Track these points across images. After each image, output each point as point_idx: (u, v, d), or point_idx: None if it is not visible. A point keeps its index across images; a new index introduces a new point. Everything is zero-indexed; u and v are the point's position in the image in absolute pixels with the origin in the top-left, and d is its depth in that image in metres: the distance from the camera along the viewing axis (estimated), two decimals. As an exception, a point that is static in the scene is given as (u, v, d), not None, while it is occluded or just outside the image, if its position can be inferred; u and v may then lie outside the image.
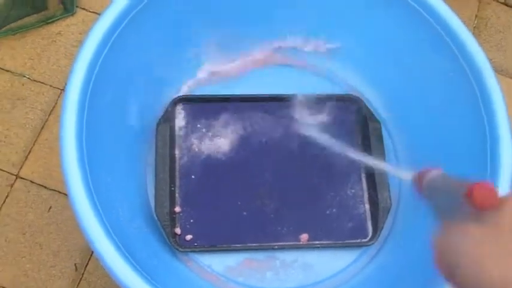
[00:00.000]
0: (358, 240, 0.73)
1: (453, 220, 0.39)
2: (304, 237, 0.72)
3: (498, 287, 0.35)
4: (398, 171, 0.59)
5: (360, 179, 0.76)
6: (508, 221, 0.36)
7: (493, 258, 0.35)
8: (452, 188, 0.42)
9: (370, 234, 0.73)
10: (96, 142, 0.63)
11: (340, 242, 0.72)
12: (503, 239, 0.36)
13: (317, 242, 0.72)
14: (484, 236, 0.36)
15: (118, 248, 0.55)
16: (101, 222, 0.56)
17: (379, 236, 0.72)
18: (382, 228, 0.72)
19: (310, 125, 0.77)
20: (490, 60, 0.68)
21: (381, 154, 0.76)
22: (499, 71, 1.08)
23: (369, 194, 0.75)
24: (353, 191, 0.75)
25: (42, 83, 1.00)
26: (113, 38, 0.66)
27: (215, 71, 0.80)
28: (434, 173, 0.47)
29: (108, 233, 0.56)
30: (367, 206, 0.75)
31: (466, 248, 0.36)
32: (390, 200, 0.73)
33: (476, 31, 0.68)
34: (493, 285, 0.35)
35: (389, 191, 0.74)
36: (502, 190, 0.62)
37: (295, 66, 0.83)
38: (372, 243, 0.72)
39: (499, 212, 0.37)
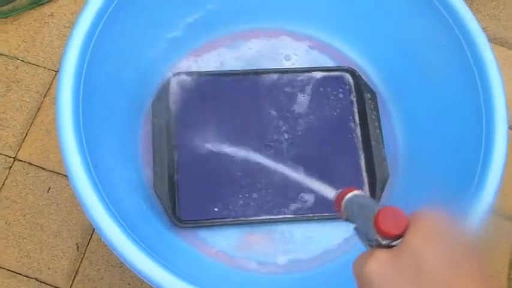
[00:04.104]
0: (357, 212, 0.73)
1: (372, 245, 0.40)
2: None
3: None
4: (324, 189, 0.60)
5: (357, 151, 0.77)
6: (411, 246, 0.36)
7: (391, 284, 0.35)
8: (366, 210, 0.41)
9: (369, 205, 0.74)
10: (93, 122, 0.63)
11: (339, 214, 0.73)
12: (403, 265, 0.36)
13: (316, 215, 0.72)
14: (387, 260, 0.36)
15: (120, 224, 0.56)
16: (101, 199, 0.57)
17: (377, 206, 0.73)
18: (380, 199, 0.73)
19: (306, 98, 0.78)
20: (483, 29, 0.69)
21: (377, 126, 0.76)
22: (492, 39, 1.08)
23: (366, 165, 0.75)
24: (350, 163, 0.76)
25: (36, 65, 0.99)
26: (105, 17, 0.66)
27: (209, 46, 0.80)
28: (350, 194, 0.46)
29: (109, 209, 0.56)
30: (364, 178, 0.75)
31: (371, 272, 0.37)
32: (388, 171, 0.74)
33: (468, 1, 0.69)
34: None
35: (386, 162, 0.74)
36: (497, 153, 0.62)
37: (289, 38, 0.83)
38: (371, 214, 0.73)
39: (404, 237, 0.37)
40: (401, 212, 0.37)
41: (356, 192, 0.46)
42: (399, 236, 0.37)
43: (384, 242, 0.38)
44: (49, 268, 0.86)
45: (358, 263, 0.39)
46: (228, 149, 0.74)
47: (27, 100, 0.97)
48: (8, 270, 0.86)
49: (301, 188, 0.73)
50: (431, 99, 0.75)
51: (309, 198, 0.73)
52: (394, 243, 0.37)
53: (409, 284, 0.35)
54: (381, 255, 0.37)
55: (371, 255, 0.37)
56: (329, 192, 0.54)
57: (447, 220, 0.37)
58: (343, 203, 0.46)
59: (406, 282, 0.35)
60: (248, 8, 0.80)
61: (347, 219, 0.46)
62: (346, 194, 0.46)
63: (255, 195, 0.73)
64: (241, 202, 0.72)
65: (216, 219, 0.71)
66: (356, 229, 0.43)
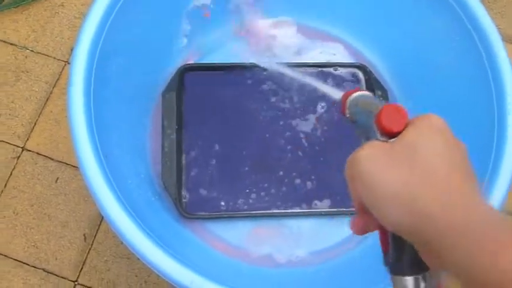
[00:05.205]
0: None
1: (370, 140, 0.40)
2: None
3: (380, 196, 0.36)
4: (332, 91, 0.62)
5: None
6: (407, 139, 0.37)
7: (384, 168, 0.36)
8: (369, 108, 0.42)
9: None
10: (104, 112, 0.63)
11: (346, 209, 0.73)
12: (397, 153, 0.36)
13: (324, 210, 0.72)
14: (381, 147, 0.37)
15: (130, 214, 0.56)
16: (111, 188, 0.57)
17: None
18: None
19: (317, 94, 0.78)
20: (493, 26, 0.69)
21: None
22: (503, 37, 1.07)
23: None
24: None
25: (46, 55, 0.99)
26: (116, 8, 0.66)
27: (221, 39, 0.80)
28: (356, 93, 0.46)
29: (119, 199, 0.56)
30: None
31: (362, 155, 0.37)
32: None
33: (479, -1, 0.69)
34: (378, 194, 0.36)
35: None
36: (509, 152, 0.62)
37: (301, 33, 0.82)
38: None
39: (401, 133, 0.37)
40: (403, 111, 0.38)
41: (362, 92, 0.46)
42: (397, 135, 0.38)
43: (382, 139, 0.38)
44: (56, 258, 0.86)
45: (352, 155, 0.39)
46: (238, 143, 0.74)
47: (36, 90, 0.97)
48: (15, 260, 0.86)
49: (309, 184, 0.73)
50: (442, 96, 0.74)
51: (317, 194, 0.73)
52: (391, 140, 0.38)
53: (400, 168, 0.36)
54: (376, 143, 0.38)
55: (366, 143, 0.38)
56: (337, 93, 0.54)
57: (443, 123, 0.38)
58: (348, 101, 0.46)
59: (397, 167, 0.36)
60: (259, 2, 0.80)
61: (351, 119, 0.46)
62: (352, 93, 0.46)
63: (264, 189, 0.73)
64: (249, 195, 0.72)
65: (223, 211, 0.71)
66: (357, 127, 0.44)
